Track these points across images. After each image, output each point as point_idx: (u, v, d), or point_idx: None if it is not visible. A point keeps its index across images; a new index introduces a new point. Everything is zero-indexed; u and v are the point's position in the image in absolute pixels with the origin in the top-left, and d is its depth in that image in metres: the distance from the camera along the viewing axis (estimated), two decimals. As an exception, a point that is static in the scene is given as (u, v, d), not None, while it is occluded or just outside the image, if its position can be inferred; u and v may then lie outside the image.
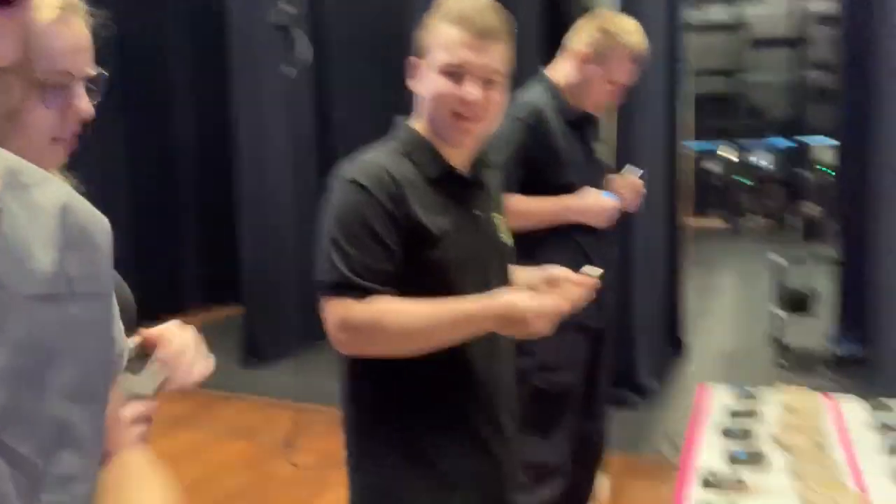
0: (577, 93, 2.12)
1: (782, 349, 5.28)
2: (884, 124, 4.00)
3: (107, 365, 0.64)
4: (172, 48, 6.60)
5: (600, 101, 2.15)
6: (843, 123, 5.77)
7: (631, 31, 2.09)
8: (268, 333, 5.14)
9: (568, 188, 2.03)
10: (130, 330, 0.94)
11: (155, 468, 0.77)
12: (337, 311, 1.31)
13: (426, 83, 1.38)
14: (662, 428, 3.91)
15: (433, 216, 1.34)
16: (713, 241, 11.24)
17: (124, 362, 0.74)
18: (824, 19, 11.72)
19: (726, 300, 7.57)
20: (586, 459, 2.18)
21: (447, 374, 1.37)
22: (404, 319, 1.30)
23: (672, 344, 5.09)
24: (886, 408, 1.97)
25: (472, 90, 1.33)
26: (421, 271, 1.34)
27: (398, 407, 1.39)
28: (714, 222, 12.97)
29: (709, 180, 12.86)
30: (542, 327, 1.32)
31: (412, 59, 1.41)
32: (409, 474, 1.37)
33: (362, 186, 1.32)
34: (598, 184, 2.11)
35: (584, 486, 2.23)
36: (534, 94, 2.11)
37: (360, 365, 1.40)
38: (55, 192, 0.61)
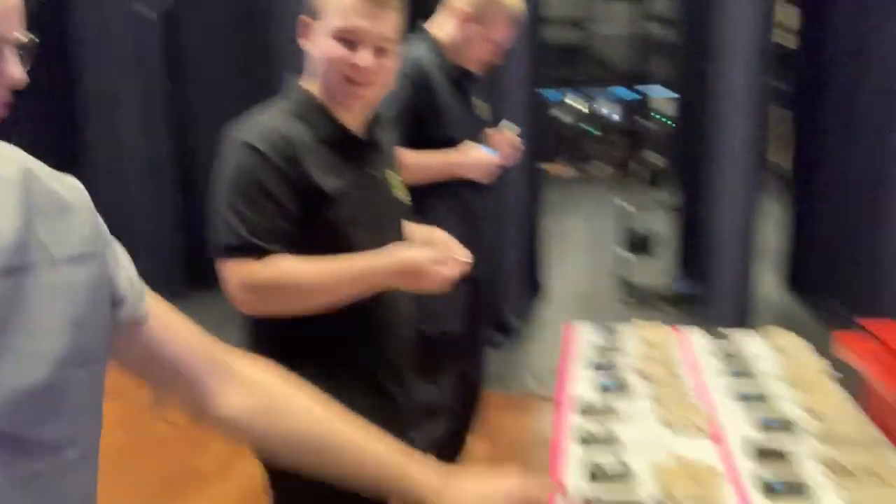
0: (458, 50, 2.19)
1: (628, 287, 5.75)
2: (717, 77, 4.38)
3: (104, 323, 0.64)
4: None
5: (480, 59, 2.22)
6: (682, 76, 6.22)
7: None
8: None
9: (450, 143, 2.11)
10: None
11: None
12: (238, 273, 1.32)
13: (319, 46, 1.39)
14: (527, 365, 4.19)
15: (328, 177, 1.37)
16: (562, 187, 11.82)
17: (142, 304, 0.74)
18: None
19: (577, 244, 8.07)
20: (468, 399, 2.33)
21: (347, 326, 1.42)
22: (306, 278, 1.34)
23: (532, 286, 5.39)
24: (724, 336, 2.26)
25: (364, 56, 1.36)
26: (318, 231, 1.37)
27: (301, 359, 1.41)
28: (562, 169, 13.61)
29: (557, 129, 13.42)
30: (440, 281, 1.41)
31: (304, 18, 1.41)
32: None
33: (256, 149, 1.33)
34: (478, 139, 2.21)
35: (467, 423, 2.39)
36: (419, 51, 2.15)
37: (261, 322, 1.42)
38: (15, 160, 0.60)
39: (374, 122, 1.51)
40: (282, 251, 1.33)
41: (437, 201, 2.09)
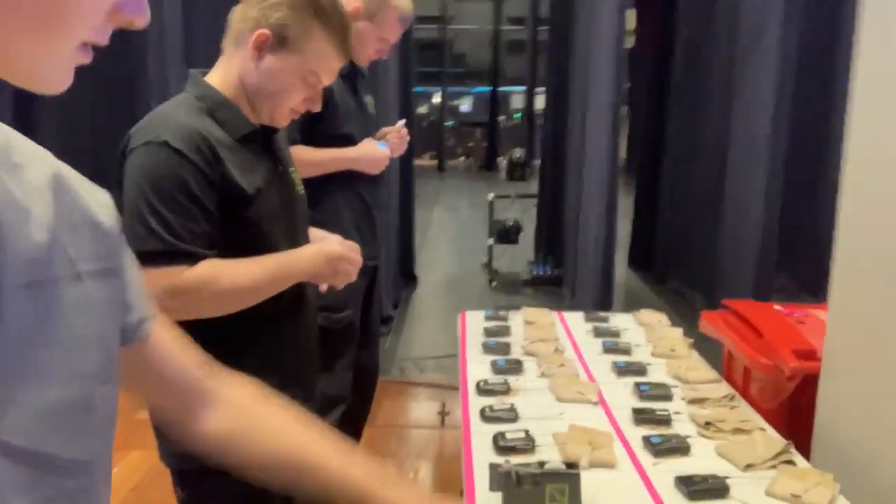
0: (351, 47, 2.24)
1: (493, 273, 6.03)
2: (579, 75, 4.69)
3: (118, 340, 0.63)
4: None
5: (370, 57, 2.29)
6: (545, 74, 6.56)
7: None
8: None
9: (343, 138, 2.18)
10: None
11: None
12: (163, 279, 1.27)
13: (278, 74, 1.39)
14: (406, 352, 4.31)
15: (245, 175, 1.37)
16: (426, 179, 12.06)
17: (148, 323, 0.73)
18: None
19: (446, 234, 8.30)
20: (363, 387, 2.41)
21: (262, 322, 1.43)
22: (234, 280, 1.33)
23: (405, 276, 5.52)
24: (599, 318, 2.49)
25: (315, 102, 1.45)
26: (237, 230, 1.36)
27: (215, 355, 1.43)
28: (425, 161, 13.87)
29: (420, 123, 13.65)
30: (352, 273, 1.49)
31: (262, 32, 1.37)
32: None
33: (178, 150, 1.29)
34: (368, 133, 2.29)
35: (362, 411, 2.46)
36: None
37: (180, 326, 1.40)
38: (46, 166, 0.57)
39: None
40: (207, 255, 1.31)
41: (335, 195, 2.16)
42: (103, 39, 0.52)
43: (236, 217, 1.36)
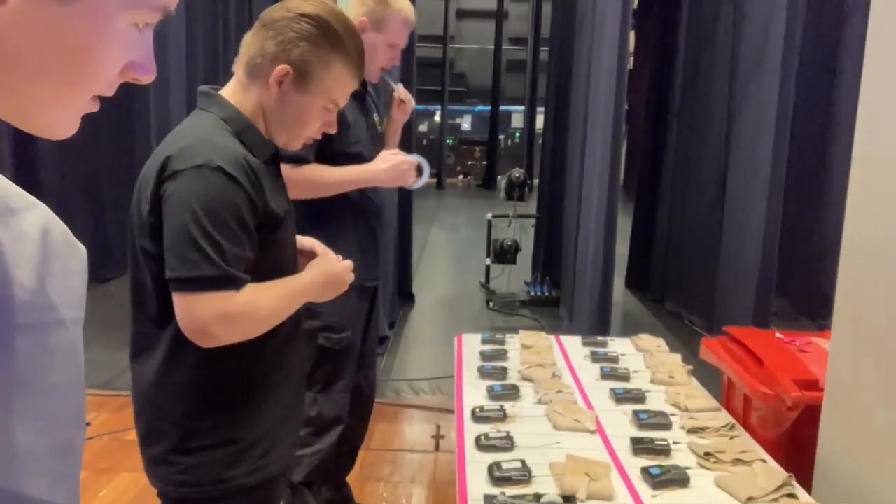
0: None
1: (491, 294, 5.99)
2: (578, 97, 4.68)
3: (82, 389, 0.64)
4: None
5: (382, 66, 2.26)
6: (547, 94, 6.57)
7: None
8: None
9: (354, 157, 2.15)
10: None
11: None
12: (214, 305, 1.26)
13: (298, 108, 1.40)
14: (400, 372, 4.26)
15: (274, 198, 1.37)
16: (424, 197, 12.07)
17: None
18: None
19: (445, 254, 8.27)
20: (360, 408, 2.36)
21: (265, 349, 1.40)
22: (268, 304, 1.33)
23: (402, 295, 5.48)
24: (597, 343, 2.45)
25: (331, 126, 1.46)
26: (269, 252, 1.36)
27: (220, 387, 1.38)
28: (428, 181, 13.88)
29: (420, 141, 13.69)
30: (344, 288, 1.49)
31: (284, 68, 1.37)
32: (235, 448, 1.38)
33: (230, 175, 1.27)
34: (377, 152, 2.26)
35: (359, 432, 2.42)
36: None
37: (181, 351, 1.34)
38: (39, 217, 0.60)
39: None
40: (248, 280, 1.30)
41: (340, 216, 2.14)
42: (111, 92, 0.57)
43: (269, 240, 1.36)
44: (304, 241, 1.59)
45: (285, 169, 1.96)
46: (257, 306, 1.31)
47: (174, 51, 4.52)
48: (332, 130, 1.49)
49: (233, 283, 1.27)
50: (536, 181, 7.21)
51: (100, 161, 5.74)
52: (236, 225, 1.28)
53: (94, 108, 0.57)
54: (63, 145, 4.11)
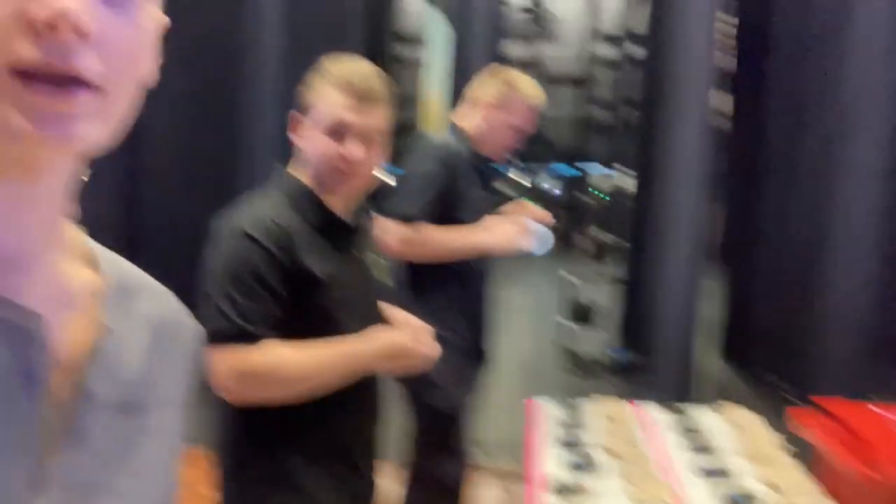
0: (483, 138, 2.33)
1: (571, 357, 5.84)
2: (669, 157, 4.60)
3: (177, 468, 0.65)
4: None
5: (504, 145, 2.37)
6: (633, 155, 6.51)
7: (529, 84, 2.36)
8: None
9: (454, 222, 2.20)
10: None
11: None
12: (229, 360, 1.31)
13: (310, 140, 1.45)
14: (476, 437, 4.16)
15: (318, 261, 1.40)
16: (506, 258, 12.03)
17: None
18: (608, 63, 13.20)
19: (519, 313, 8.16)
20: (463, 475, 2.34)
21: (325, 411, 1.41)
22: (296, 366, 1.34)
23: (477, 355, 5.41)
24: (682, 412, 2.32)
25: (353, 149, 1.42)
26: (308, 315, 1.38)
27: (278, 444, 1.41)
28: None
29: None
30: (421, 362, 1.45)
31: (295, 113, 1.47)
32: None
33: (250, 236, 1.35)
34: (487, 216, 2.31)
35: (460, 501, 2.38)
36: (448, 139, 2.31)
37: (240, 410, 1.40)
38: (152, 299, 0.60)
39: (359, 207, 1.57)
40: (273, 337, 1.33)
41: (445, 277, 2.19)
42: (50, 55, 0.42)
43: (309, 303, 1.39)
44: (390, 311, 1.59)
45: (397, 227, 2.04)
46: (281, 365, 1.33)
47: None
48: (345, 164, 1.43)
49: (246, 338, 1.31)
50: (619, 242, 7.08)
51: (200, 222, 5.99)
52: (254, 282, 1.33)
53: (40, 96, 0.42)
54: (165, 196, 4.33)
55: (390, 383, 2.31)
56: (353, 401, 1.46)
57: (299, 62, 1.53)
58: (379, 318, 1.53)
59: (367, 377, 1.47)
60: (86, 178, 0.53)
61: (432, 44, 9.33)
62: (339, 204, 1.49)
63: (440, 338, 2.18)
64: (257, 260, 1.34)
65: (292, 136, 1.49)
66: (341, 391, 1.40)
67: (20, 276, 0.48)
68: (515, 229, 2.24)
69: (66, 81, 0.43)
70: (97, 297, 0.54)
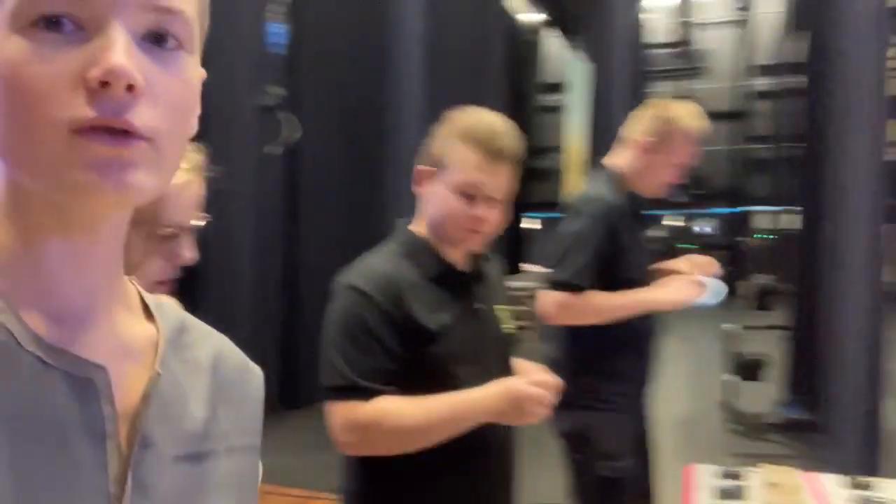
0: (640, 179, 2.18)
1: (736, 414, 5.39)
2: (839, 192, 4.21)
3: None
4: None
5: (664, 183, 2.20)
6: (803, 191, 6.05)
7: (689, 114, 2.17)
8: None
9: (628, 283, 2.08)
10: None
11: None
12: (343, 413, 1.34)
13: (437, 197, 1.43)
14: None
15: (432, 313, 1.39)
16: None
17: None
18: (764, 95, 12.48)
19: (677, 367, 7.71)
20: None
21: (448, 464, 1.38)
22: (409, 419, 1.33)
23: (643, 418, 5.13)
24: (865, 485, 2.02)
25: (484, 212, 1.41)
26: (422, 367, 1.37)
27: (403, 493, 1.41)
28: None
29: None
30: (539, 413, 1.37)
31: (421, 168, 1.46)
32: None
33: (362, 291, 1.38)
34: (649, 272, 2.19)
35: None
36: (601, 190, 2.15)
37: (363, 459, 1.42)
38: (212, 347, 0.62)
39: (480, 256, 1.54)
40: (386, 390, 1.34)
41: (612, 337, 2.07)
42: (104, 112, 0.44)
43: (423, 355, 1.38)
44: (523, 366, 1.53)
45: (559, 297, 2.00)
46: (392, 418, 1.33)
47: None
48: (475, 223, 1.41)
49: (358, 393, 1.33)
50: (786, 288, 6.53)
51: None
52: (366, 337, 1.35)
53: (103, 146, 0.45)
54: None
55: (553, 447, 2.21)
56: (477, 452, 1.41)
57: (442, 115, 1.51)
58: (502, 370, 1.47)
59: (495, 428, 1.41)
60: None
61: (574, 90, 9.28)
62: (456, 254, 1.47)
63: (608, 401, 2.07)
64: (368, 314, 1.36)
65: (417, 190, 1.48)
66: (463, 442, 1.36)
67: (84, 329, 0.51)
68: (687, 284, 2.08)
69: (120, 134, 0.45)
70: (154, 346, 0.56)
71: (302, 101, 5.39)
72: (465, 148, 1.39)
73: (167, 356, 0.56)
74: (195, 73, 0.51)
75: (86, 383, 0.49)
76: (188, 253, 0.98)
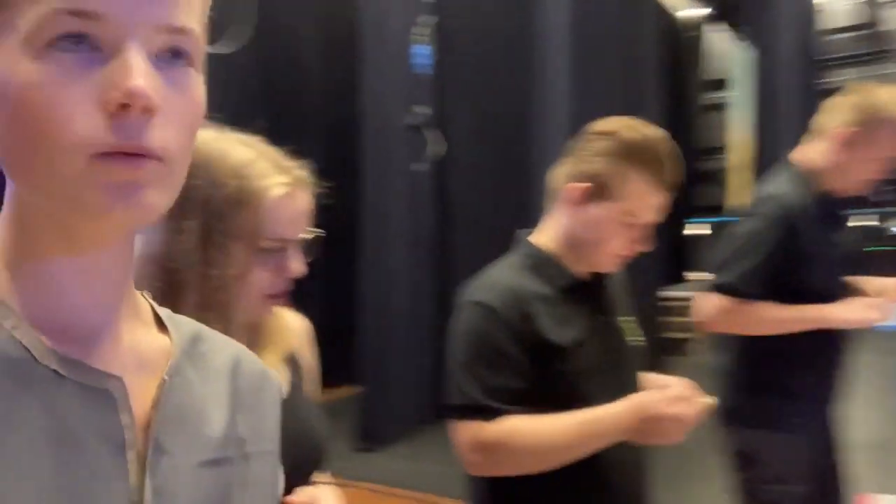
0: (838, 175, 1.96)
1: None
2: None
3: None
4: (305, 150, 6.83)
5: (866, 179, 1.98)
6: None
7: (893, 99, 1.92)
8: (381, 418, 5.14)
9: (805, 295, 1.88)
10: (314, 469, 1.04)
11: None
12: (469, 433, 1.32)
13: (596, 220, 1.39)
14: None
15: (561, 328, 1.36)
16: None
17: None
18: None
19: (865, 386, 6.95)
20: None
21: (580, 484, 1.35)
22: (535, 437, 1.31)
23: (830, 441, 4.66)
24: None
25: (642, 243, 1.40)
26: (551, 383, 1.34)
27: None
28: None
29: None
30: (676, 432, 1.27)
31: (577, 186, 1.40)
32: None
33: (488, 307, 1.35)
34: (842, 281, 1.99)
35: None
36: (782, 188, 1.97)
37: (492, 480, 1.40)
38: (230, 354, 0.63)
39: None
40: (513, 410, 1.31)
41: (797, 350, 1.89)
42: (123, 136, 0.45)
43: (552, 371, 1.35)
44: (649, 377, 1.45)
45: (720, 301, 1.86)
46: (519, 438, 1.29)
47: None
48: (644, 248, 1.42)
49: (486, 413, 1.30)
50: None
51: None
52: (495, 355, 1.32)
53: (125, 169, 0.46)
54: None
55: (723, 472, 2.05)
56: (608, 470, 1.36)
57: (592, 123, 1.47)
58: (634, 385, 1.41)
59: (627, 445, 1.34)
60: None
61: (739, 85, 8.71)
62: (581, 267, 1.43)
63: (782, 421, 1.87)
64: (494, 331, 1.33)
65: (568, 208, 1.42)
66: (594, 460, 1.31)
67: (97, 342, 0.52)
68: (869, 307, 1.86)
69: (135, 156, 0.46)
70: (167, 357, 0.57)
71: (448, 117, 5.47)
72: (637, 177, 1.35)
73: (182, 365, 0.57)
74: (202, 89, 0.52)
75: (102, 394, 0.50)
76: (296, 266, 0.97)
